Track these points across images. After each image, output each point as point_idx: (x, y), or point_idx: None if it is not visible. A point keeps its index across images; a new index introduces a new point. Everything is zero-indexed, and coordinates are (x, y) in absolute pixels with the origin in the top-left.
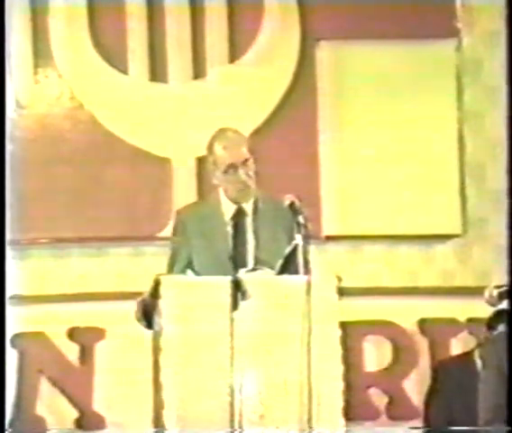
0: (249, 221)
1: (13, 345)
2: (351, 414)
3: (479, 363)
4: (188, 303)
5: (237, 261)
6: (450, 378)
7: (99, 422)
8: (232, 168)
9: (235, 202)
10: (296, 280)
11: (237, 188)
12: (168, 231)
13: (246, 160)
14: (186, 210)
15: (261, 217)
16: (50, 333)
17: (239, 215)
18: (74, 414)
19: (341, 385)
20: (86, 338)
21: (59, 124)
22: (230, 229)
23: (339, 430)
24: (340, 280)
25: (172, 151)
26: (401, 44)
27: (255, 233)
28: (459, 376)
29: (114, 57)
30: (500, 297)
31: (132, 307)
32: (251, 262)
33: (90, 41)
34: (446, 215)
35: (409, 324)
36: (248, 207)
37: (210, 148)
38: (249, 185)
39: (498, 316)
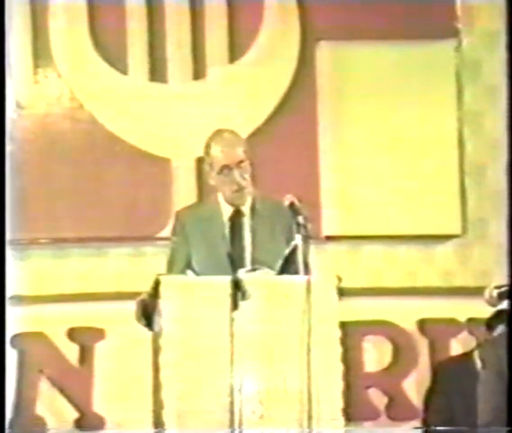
0: (246, 222)
1: (13, 345)
2: (350, 414)
3: (478, 363)
4: (188, 303)
5: (235, 261)
6: (450, 378)
7: (99, 422)
8: (226, 169)
9: (231, 204)
10: (296, 281)
11: (232, 190)
12: (167, 231)
13: (241, 161)
14: (185, 211)
15: (259, 218)
16: (50, 333)
17: (237, 215)
18: (74, 414)
19: (340, 385)
20: (85, 338)
21: (58, 124)
22: (228, 230)
23: (339, 430)
24: (340, 280)
25: (172, 151)
26: (401, 44)
27: (253, 233)
28: (459, 377)
29: (114, 57)
30: (500, 297)
31: (132, 307)
32: (249, 263)
33: (90, 41)
34: (446, 215)
35: (409, 324)
36: (245, 208)
37: (207, 149)
38: (243, 186)
39: (497, 316)
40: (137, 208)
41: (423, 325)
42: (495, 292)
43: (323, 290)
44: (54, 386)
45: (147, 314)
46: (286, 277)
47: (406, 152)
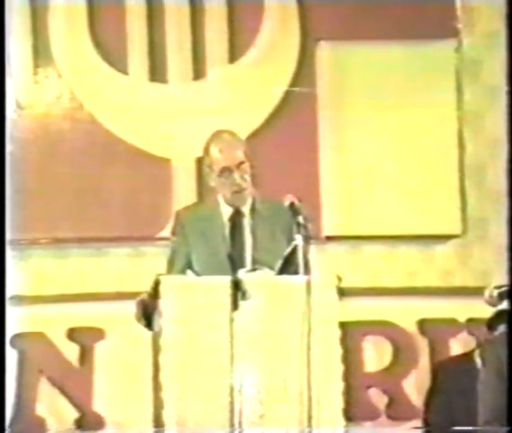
0: (246, 222)
1: (13, 345)
2: (350, 414)
3: (478, 363)
4: (188, 303)
5: (235, 261)
6: (450, 378)
7: (99, 422)
8: (226, 171)
9: (232, 205)
10: (296, 281)
11: (232, 191)
12: (167, 231)
13: (241, 163)
14: (185, 211)
15: (259, 218)
16: (50, 333)
17: (237, 216)
18: (74, 414)
19: (341, 385)
20: (85, 338)
21: (58, 124)
22: (228, 230)
23: (339, 430)
24: (340, 280)
25: (172, 151)
26: (401, 44)
27: (253, 233)
28: (459, 376)
29: (114, 57)
30: (500, 297)
31: (132, 307)
32: (249, 263)
33: (90, 41)
34: (446, 215)
35: (409, 324)
36: (245, 208)
37: (206, 150)
38: (244, 188)
39: (498, 316)
40: (137, 208)
41: (423, 325)
42: (495, 292)
43: (323, 290)
44: (54, 386)
45: (147, 314)
46: (286, 277)
47: (405, 152)
